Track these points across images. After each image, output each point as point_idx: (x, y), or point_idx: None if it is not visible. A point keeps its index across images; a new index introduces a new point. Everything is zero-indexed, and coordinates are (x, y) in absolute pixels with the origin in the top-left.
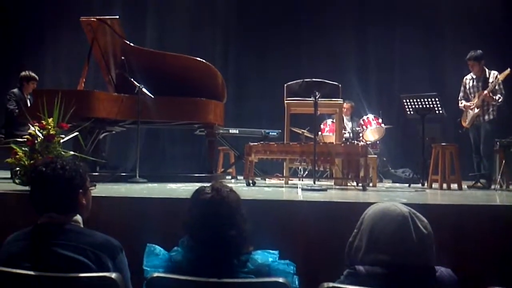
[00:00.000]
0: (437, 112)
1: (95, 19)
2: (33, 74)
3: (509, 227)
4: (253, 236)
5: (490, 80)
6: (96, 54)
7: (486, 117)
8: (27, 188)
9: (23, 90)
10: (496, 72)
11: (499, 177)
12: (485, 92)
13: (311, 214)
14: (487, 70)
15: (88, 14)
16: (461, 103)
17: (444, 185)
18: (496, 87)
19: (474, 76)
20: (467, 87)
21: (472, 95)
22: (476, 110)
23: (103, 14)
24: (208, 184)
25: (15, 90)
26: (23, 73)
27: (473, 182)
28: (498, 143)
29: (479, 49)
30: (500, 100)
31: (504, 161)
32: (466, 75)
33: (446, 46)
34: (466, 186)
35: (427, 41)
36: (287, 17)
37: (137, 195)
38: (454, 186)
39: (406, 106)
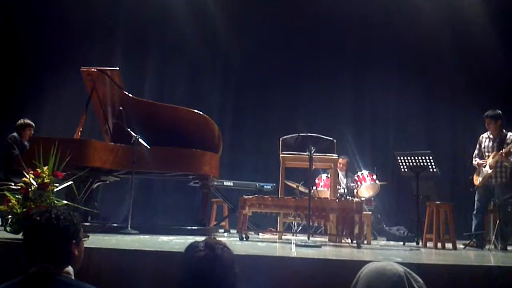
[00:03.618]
0: (431, 170)
1: (95, 70)
2: (27, 121)
3: None
4: None
5: (507, 141)
6: (94, 104)
7: (499, 179)
8: (18, 236)
9: (21, 137)
10: None
11: (493, 237)
12: (500, 152)
13: (305, 271)
14: (504, 130)
15: (88, 62)
16: (475, 160)
17: (439, 244)
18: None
19: (491, 136)
20: (483, 145)
21: (487, 154)
22: (489, 171)
23: (103, 61)
24: (201, 239)
25: (15, 134)
26: (18, 122)
27: (468, 241)
28: (492, 202)
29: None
30: None
31: (498, 221)
32: (483, 133)
33: (442, 103)
34: (462, 246)
35: (422, 98)
36: (285, 72)
37: (128, 247)
38: (449, 245)
39: (401, 163)
